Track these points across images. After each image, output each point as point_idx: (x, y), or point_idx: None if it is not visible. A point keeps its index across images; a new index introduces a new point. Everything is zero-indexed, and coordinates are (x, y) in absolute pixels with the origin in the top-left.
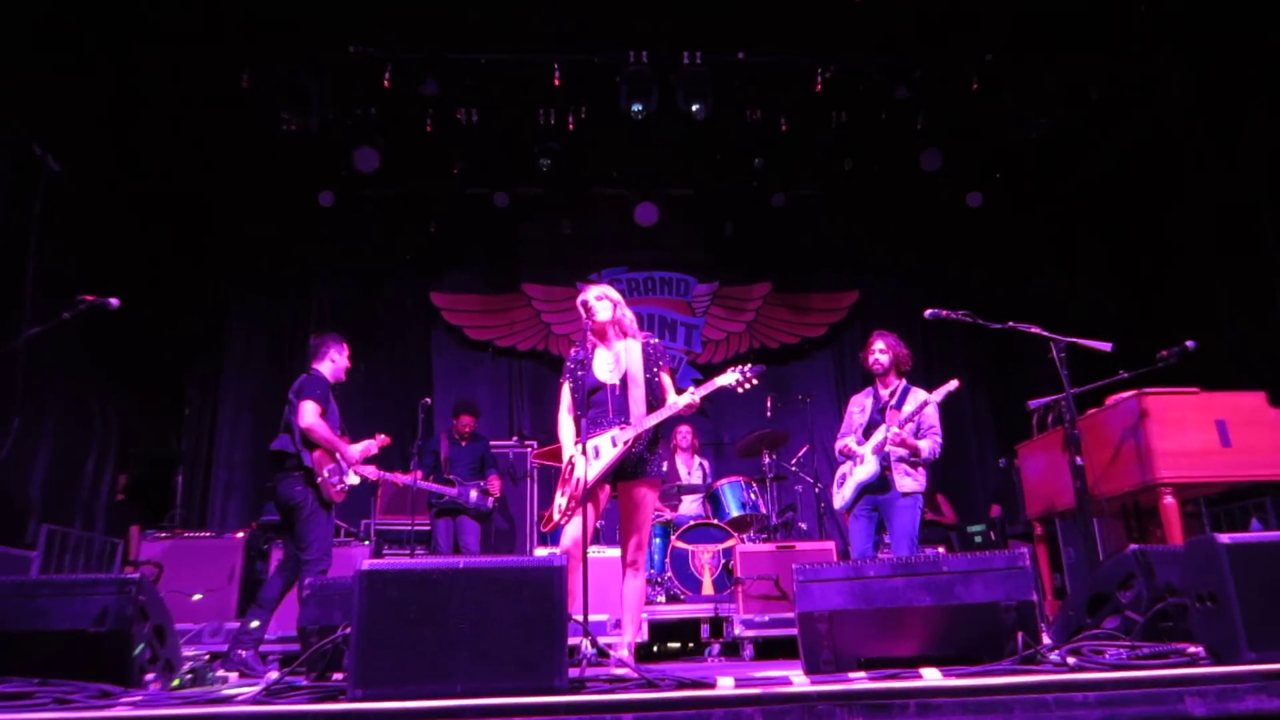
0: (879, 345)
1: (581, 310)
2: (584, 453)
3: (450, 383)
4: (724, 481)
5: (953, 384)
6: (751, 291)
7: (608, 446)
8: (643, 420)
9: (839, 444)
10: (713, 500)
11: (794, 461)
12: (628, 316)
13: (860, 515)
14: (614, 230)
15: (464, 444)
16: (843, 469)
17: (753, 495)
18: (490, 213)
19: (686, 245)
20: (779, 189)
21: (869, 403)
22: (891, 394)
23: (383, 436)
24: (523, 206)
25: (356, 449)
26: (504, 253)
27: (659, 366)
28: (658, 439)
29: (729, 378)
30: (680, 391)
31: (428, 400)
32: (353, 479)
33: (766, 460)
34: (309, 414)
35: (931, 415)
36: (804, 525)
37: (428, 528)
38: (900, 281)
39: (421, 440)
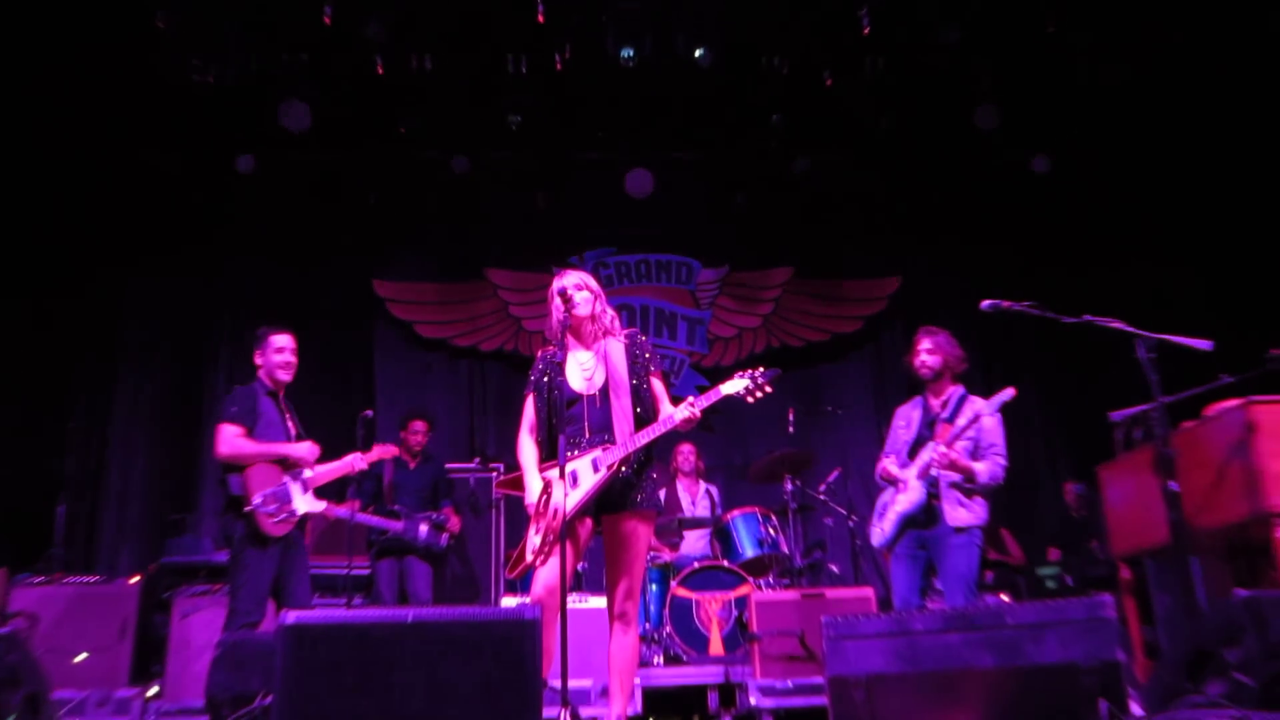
0: (926, 345)
1: (558, 301)
2: (561, 477)
3: (397, 391)
4: (736, 514)
5: (1008, 392)
6: (769, 278)
7: (588, 472)
8: (631, 438)
9: (880, 466)
10: (722, 537)
11: (823, 488)
12: (609, 313)
13: (904, 555)
14: (600, 203)
15: (413, 465)
16: (884, 497)
17: (772, 531)
18: (448, 182)
19: (689, 221)
20: (802, 152)
21: (916, 415)
22: (944, 404)
23: (388, 447)
24: (487, 174)
25: (319, 469)
26: (464, 231)
27: (649, 370)
28: (651, 461)
29: (736, 385)
30: (678, 402)
31: (369, 413)
32: (305, 504)
33: (789, 487)
34: (222, 441)
35: (992, 431)
36: (835, 568)
37: (367, 571)
38: (951, 265)
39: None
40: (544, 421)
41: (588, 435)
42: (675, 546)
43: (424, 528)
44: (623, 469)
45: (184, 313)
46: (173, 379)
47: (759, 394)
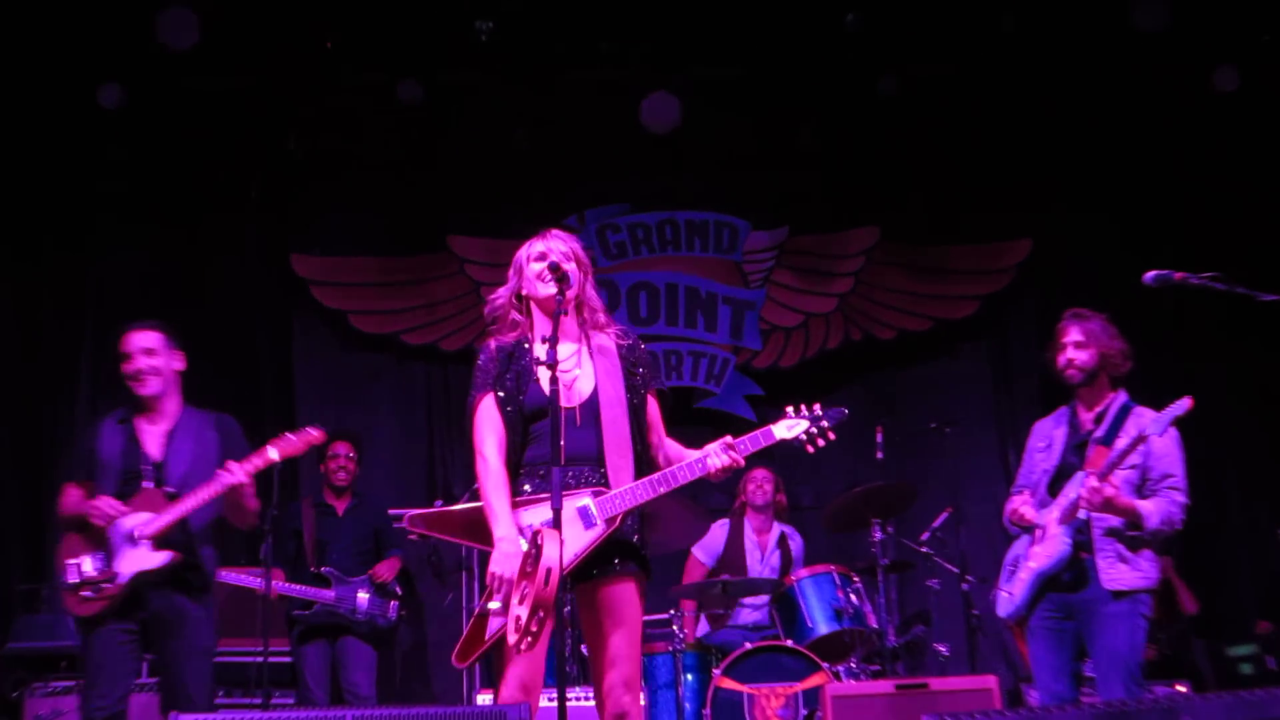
0: (1074, 334)
1: (532, 271)
2: (556, 526)
3: (324, 407)
4: (805, 575)
5: (1183, 404)
6: (847, 243)
7: (574, 523)
8: (645, 485)
9: (1009, 506)
10: (786, 607)
11: (926, 537)
12: (599, 298)
13: (1043, 628)
14: (606, 142)
15: (341, 510)
16: (1015, 549)
17: (854, 597)
18: (392, 116)
19: (731, 166)
20: (888, 68)
21: (1060, 435)
22: (1098, 419)
23: (308, 434)
24: (448, 104)
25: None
26: (417, 184)
27: (649, 386)
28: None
29: (792, 427)
30: (691, 435)
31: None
32: (133, 563)
33: (878, 535)
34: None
35: (1165, 456)
36: (943, 649)
37: (288, 659)
38: (1100, 224)
39: (275, 509)
40: (510, 436)
41: (563, 462)
42: (721, 620)
43: (363, 596)
44: (626, 522)
45: (30, 300)
46: (14, 386)
47: (820, 442)
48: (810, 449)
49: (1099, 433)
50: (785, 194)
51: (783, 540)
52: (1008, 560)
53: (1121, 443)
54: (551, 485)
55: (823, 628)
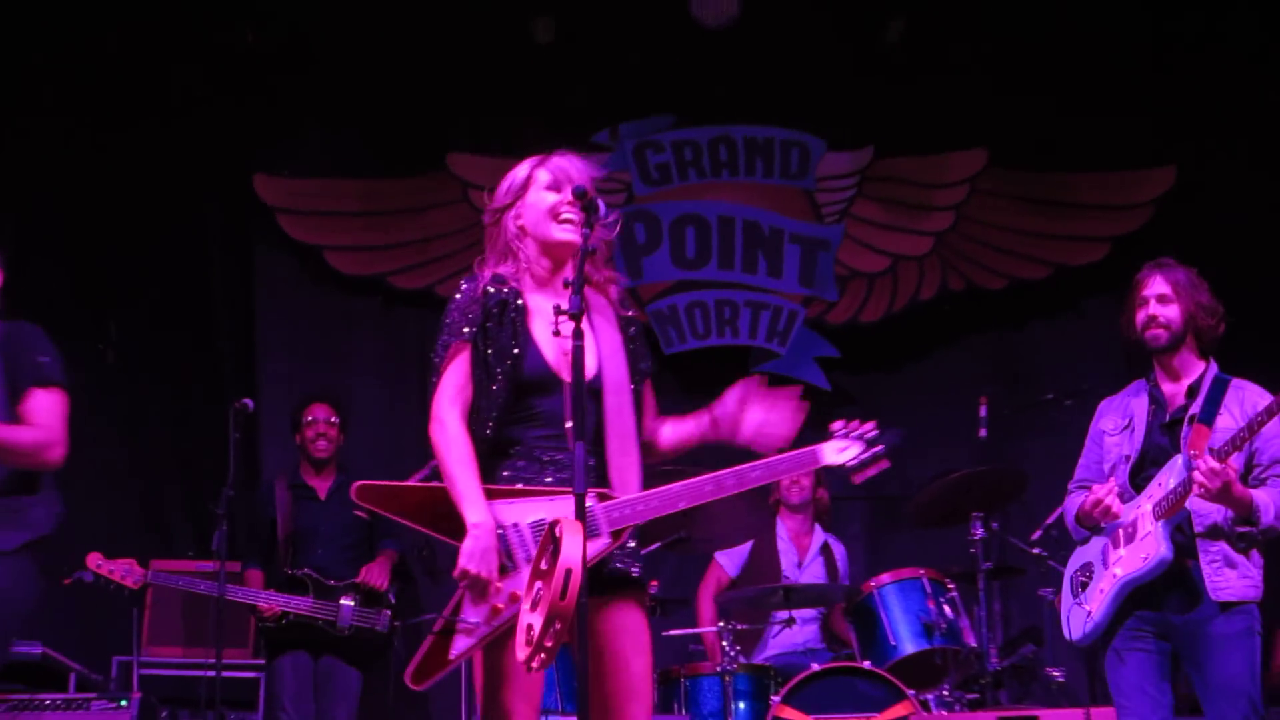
0: (1159, 287)
1: (551, 203)
2: (579, 517)
3: (292, 363)
4: (888, 581)
5: None
6: (946, 168)
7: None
8: (658, 498)
9: (1082, 497)
10: (864, 620)
11: (1038, 535)
12: (605, 246)
13: (1132, 651)
14: (647, 37)
15: (324, 492)
16: (1085, 554)
17: (946, 609)
18: (378, 3)
19: (802, 70)
20: None
21: (1141, 411)
22: (1189, 392)
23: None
24: None
25: None
26: (409, 90)
27: (644, 361)
28: None
29: (841, 451)
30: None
31: (248, 402)
32: None
33: (979, 533)
34: None
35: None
36: (1058, 674)
37: (251, 674)
38: (1266, 150)
39: (231, 489)
40: (489, 409)
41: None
42: (764, 635)
43: (347, 604)
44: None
45: None
46: None
47: (871, 472)
48: (857, 479)
49: (1194, 409)
50: (870, 106)
51: (826, 549)
52: (1073, 569)
53: (1228, 419)
54: (575, 466)
55: (908, 646)
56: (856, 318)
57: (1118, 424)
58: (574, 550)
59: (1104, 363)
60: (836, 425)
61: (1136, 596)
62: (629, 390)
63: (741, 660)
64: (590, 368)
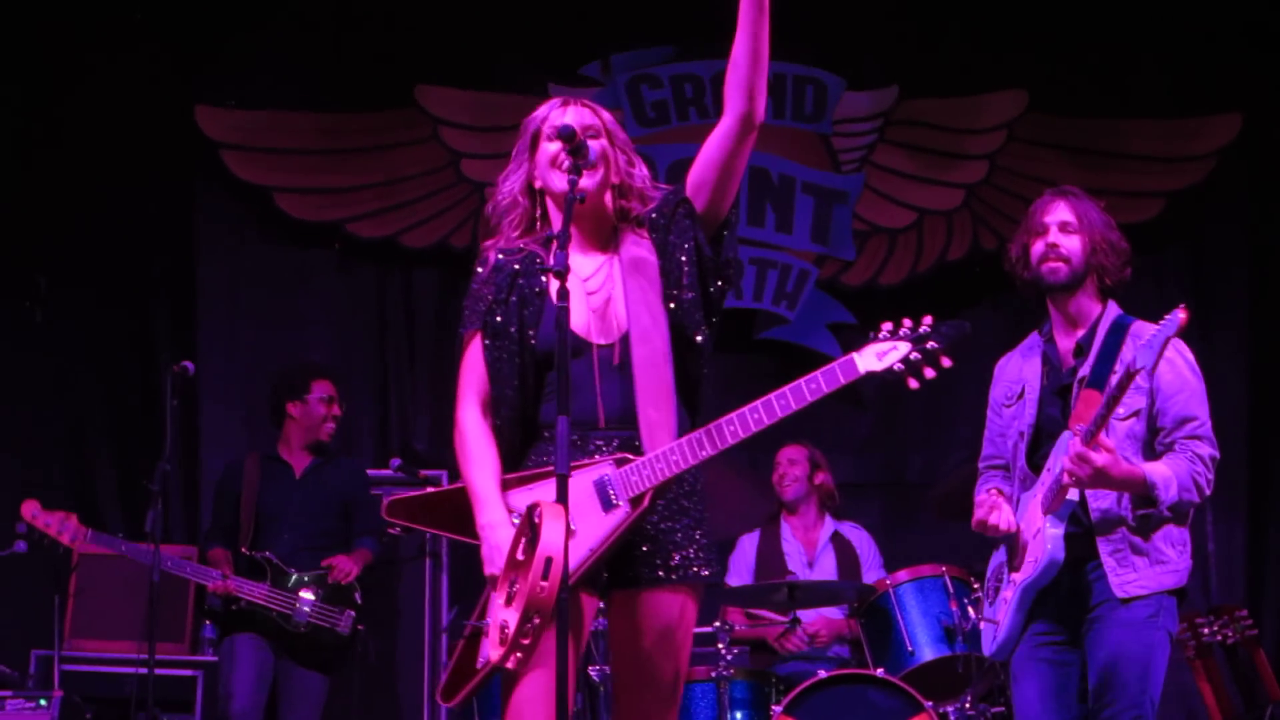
0: (1062, 213)
1: (547, 151)
2: (560, 500)
3: (235, 322)
4: (904, 579)
5: (1175, 317)
6: (979, 111)
7: (591, 505)
8: (684, 446)
9: (986, 486)
10: (876, 622)
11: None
12: (640, 176)
13: (1034, 662)
14: None
15: (300, 468)
16: (996, 557)
17: (970, 611)
18: None
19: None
20: None
21: (1035, 373)
22: (1080, 348)
23: None
24: None
25: None
26: (371, 14)
27: (716, 270)
28: (699, 485)
29: (884, 355)
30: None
31: (187, 366)
32: None
33: None
34: None
35: (1182, 393)
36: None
37: (187, 672)
38: None
39: (167, 463)
40: (509, 391)
41: (602, 425)
42: (784, 641)
43: (307, 597)
44: (660, 504)
45: None
46: None
47: (929, 373)
48: (914, 383)
49: (1084, 369)
50: (895, 39)
51: (838, 539)
52: (990, 574)
53: (1115, 377)
54: (557, 441)
55: (927, 652)
56: (876, 279)
57: (1010, 392)
58: (555, 537)
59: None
60: (885, 325)
61: (1039, 602)
62: (663, 334)
63: (746, 665)
64: (622, 323)
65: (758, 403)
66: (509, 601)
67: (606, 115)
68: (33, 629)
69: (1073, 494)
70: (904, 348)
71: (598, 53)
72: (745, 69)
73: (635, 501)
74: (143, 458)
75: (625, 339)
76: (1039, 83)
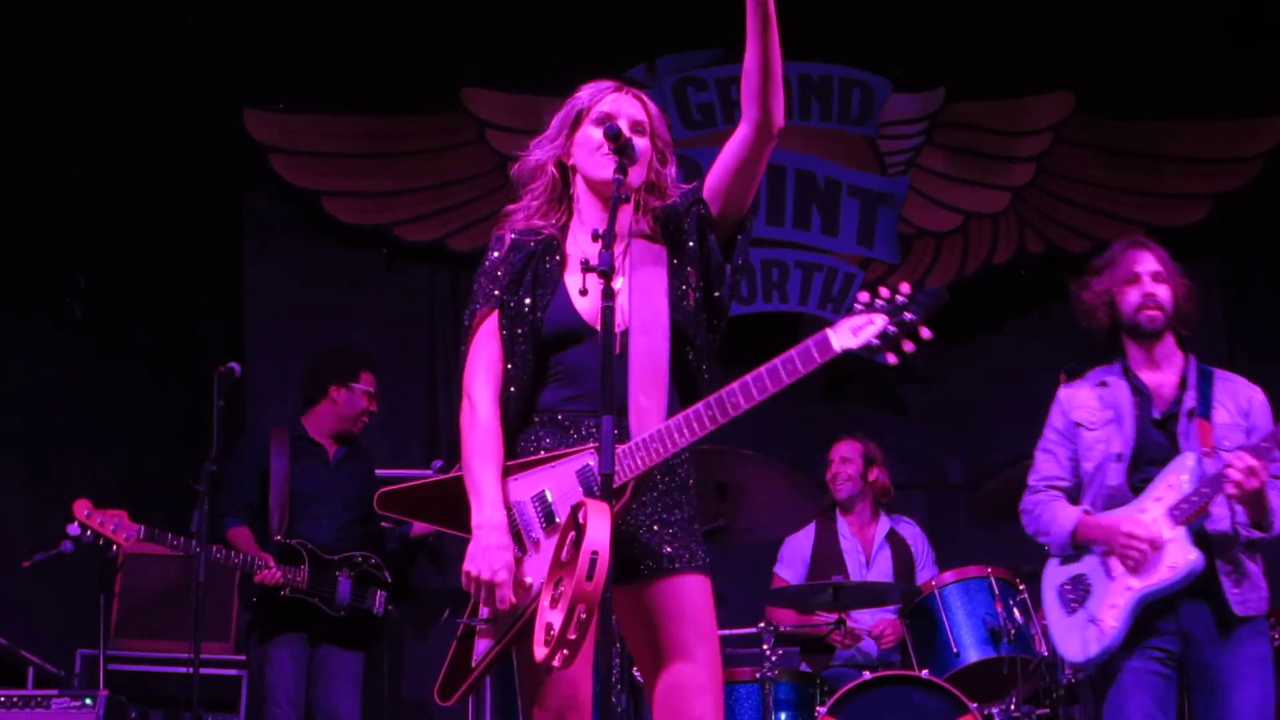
0: (1152, 263)
1: (599, 139)
2: (603, 496)
3: (283, 323)
4: (950, 580)
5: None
6: (1027, 113)
7: (575, 494)
8: (656, 437)
9: (1061, 507)
10: (922, 623)
11: None
12: (667, 176)
13: (1147, 674)
14: None
15: (333, 454)
16: (1077, 566)
17: (1016, 613)
18: None
19: (861, 0)
20: None
21: (1126, 402)
22: (1183, 384)
23: None
24: None
25: None
26: (419, 17)
27: (725, 275)
28: (689, 477)
29: (859, 331)
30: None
31: (234, 367)
32: None
33: None
34: None
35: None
36: None
37: (232, 671)
38: None
39: (214, 464)
40: (522, 374)
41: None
42: (841, 644)
43: (345, 581)
44: (653, 495)
45: None
46: None
47: (907, 346)
48: (892, 358)
49: (1190, 402)
50: (942, 42)
51: (893, 537)
52: (1057, 582)
53: (1222, 415)
54: (601, 438)
55: (972, 654)
56: (922, 283)
57: (1099, 417)
58: (601, 534)
59: (1199, 337)
60: (861, 297)
61: (1149, 612)
62: (664, 329)
63: (796, 666)
64: (625, 315)
65: (734, 385)
66: (555, 603)
67: (654, 109)
68: (78, 628)
69: (1214, 509)
70: (880, 321)
71: (644, 55)
72: (756, 79)
73: (618, 492)
74: (190, 459)
75: (626, 331)
76: (1086, 85)
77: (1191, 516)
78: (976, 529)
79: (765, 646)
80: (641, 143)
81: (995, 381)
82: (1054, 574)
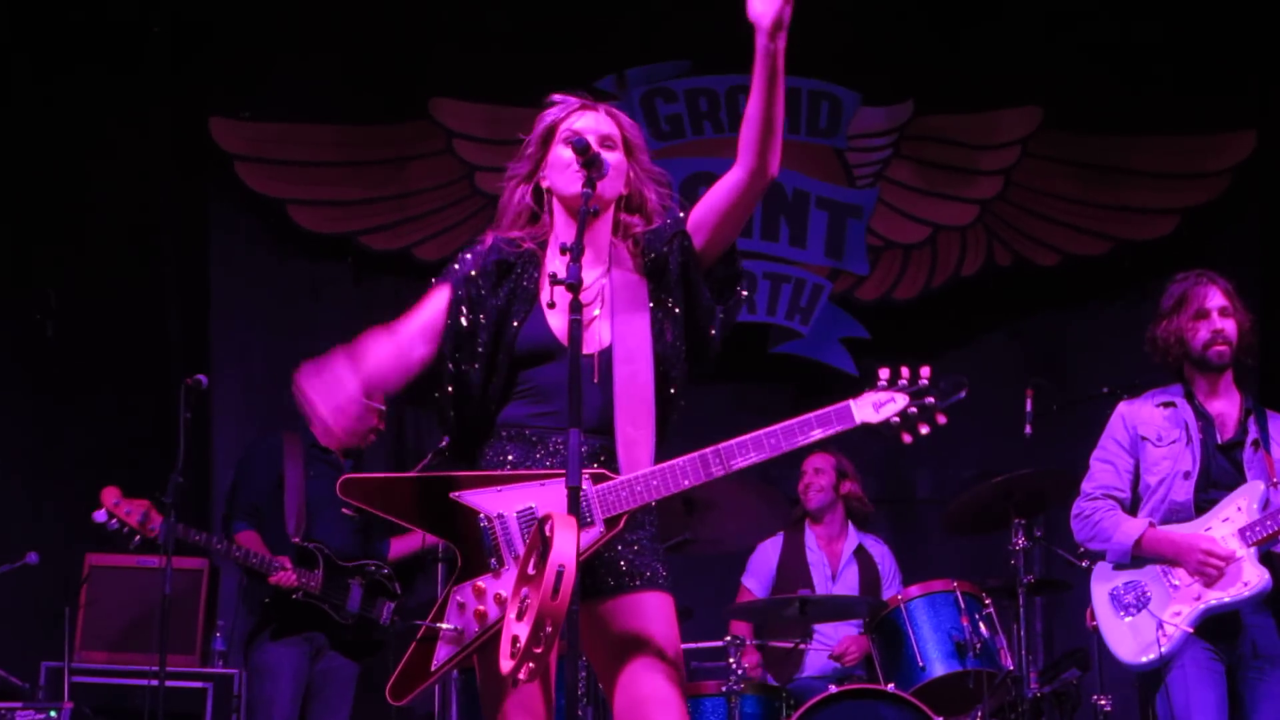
0: (1220, 300)
1: (569, 157)
2: (571, 511)
3: (249, 333)
4: (916, 594)
5: None
6: (994, 127)
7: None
8: (658, 475)
9: (1116, 516)
10: (888, 637)
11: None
12: (656, 194)
13: (1211, 676)
14: None
15: (343, 464)
16: (1139, 575)
17: (982, 627)
18: None
19: (837, 14)
20: None
21: (1193, 424)
22: (1244, 417)
23: None
24: None
25: None
26: (388, 24)
27: (715, 315)
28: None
29: (881, 407)
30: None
31: (201, 379)
32: None
33: (1021, 542)
34: None
35: None
36: (1105, 703)
37: (197, 684)
38: None
39: (181, 475)
40: (476, 382)
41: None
42: (796, 659)
43: (357, 589)
44: (641, 519)
45: None
46: None
47: (924, 429)
48: (907, 437)
49: (1254, 432)
50: (910, 55)
51: (861, 553)
52: (1111, 585)
53: (1277, 451)
54: (569, 454)
55: (938, 668)
56: (890, 295)
57: (1168, 434)
58: (567, 547)
59: None
60: (882, 373)
61: (1213, 622)
62: (647, 357)
63: (764, 679)
64: (605, 337)
65: (747, 438)
66: (521, 615)
67: (627, 122)
68: (43, 640)
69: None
70: (901, 400)
71: (613, 66)
72: (757, 128)
73: (611, 522)
74: (156, 470)
75: (606, 353)
76: (1054, 99)
77: (1265, 540)
78: (943, 543)
79: (731, 660)
80: (612, 157)
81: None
82: (1106, 578)
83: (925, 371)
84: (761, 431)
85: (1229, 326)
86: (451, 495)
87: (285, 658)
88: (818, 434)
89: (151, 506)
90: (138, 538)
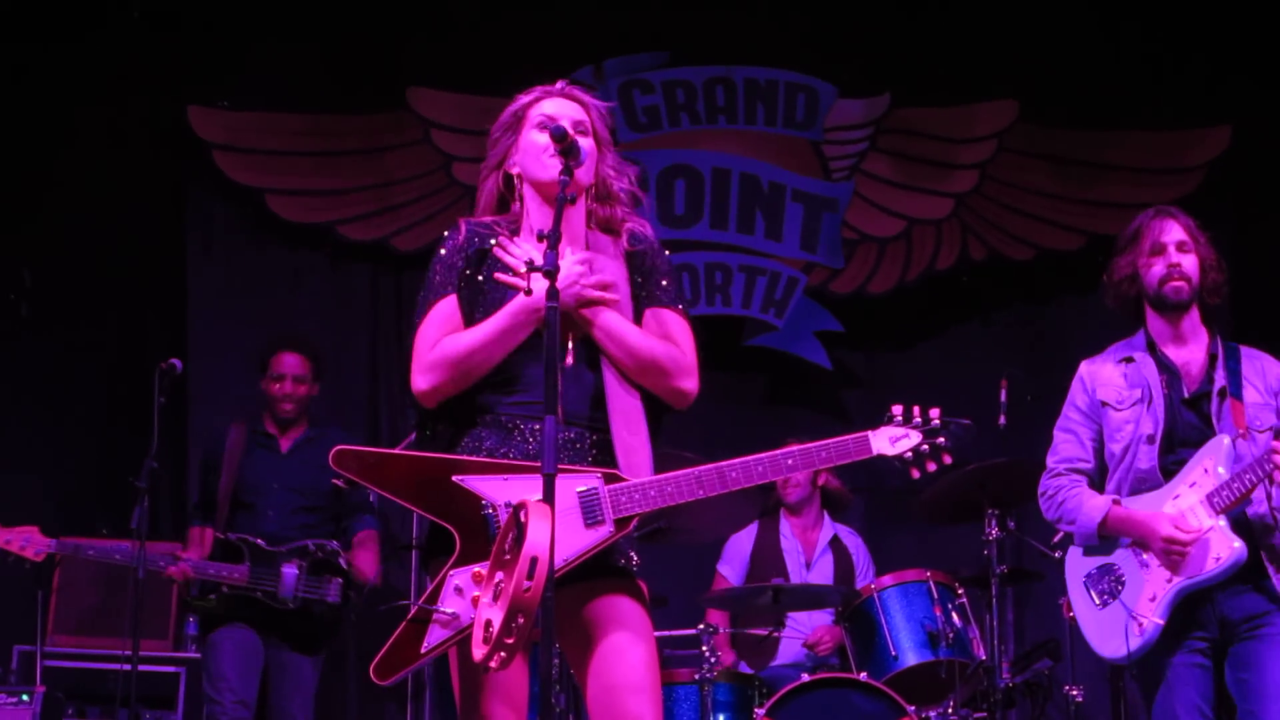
0: (1178, 233)
1: (543, 142)
2: (546, 500)
3: (226, 321)
4: (889, 584)
5: None
6: (971, 120)
7: (571, 515)
8: (672, 483)
9: (1080, 492)
10: (861, 626)
11: (1060, 538)
12: (625, 180)
13: (1190, 666)
14: None
15: (286, 444)
16: (1103, 552)
17: (955, 617)
18: None
19: (812, 4)
20: None
21: (1155, 380)
22: (1209, 363)
23: None
24: None
25: None
26: (364, 14)
27: (666, 304)
28: None
29: (897, 441)
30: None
31: (175, 364)
32: None
33: (994, 533)
34: None
35: None
36: (1077, 693)
37: (171, 669)
38: None
39: (154, 460)
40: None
41: (567, 434)
42: (769, 647)
43: (291, 572)
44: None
45: None
46: None
47: (931, 466)
48: (915, 473)
49: (1220, 380)
50: (887, 48)
51: (836, 543)
52: (1084, 571)
53: (1252, 394)
54: (544, 442)
55: (910, 657)
56: (864, 288)
57: (1126, 396)
58: (541, 536)
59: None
60: (896, 409)
61: (1188, 601)
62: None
63: (738, 668)
64: (577, 324)
65: (764, 456)
66: (495, 598)
67: (594, 104)
68: (15, 624)
69: (1256, 496)
70: (915, 438)
71: (590, 57)
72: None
73: (621, 523)
74: (131, 455)
75: (582, 342)
76: (1030, 93)
77: (1232, 505)
78: (916, 533)
79: (704, 648)
80: (585, 143)
81: (936, 387)
82: (1078, 563)
83: (935, 412)
84: (780, 451)
85: (1187, 262)
86: (454, 478)
87: (225, 634)
88: (836, 461)
89: (32, 529)
90: (26, 565)
